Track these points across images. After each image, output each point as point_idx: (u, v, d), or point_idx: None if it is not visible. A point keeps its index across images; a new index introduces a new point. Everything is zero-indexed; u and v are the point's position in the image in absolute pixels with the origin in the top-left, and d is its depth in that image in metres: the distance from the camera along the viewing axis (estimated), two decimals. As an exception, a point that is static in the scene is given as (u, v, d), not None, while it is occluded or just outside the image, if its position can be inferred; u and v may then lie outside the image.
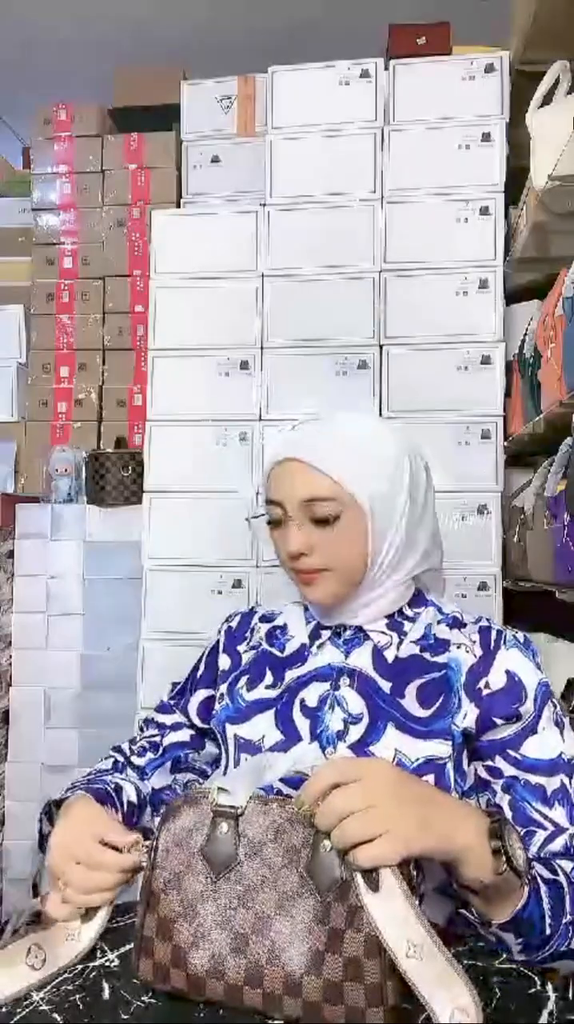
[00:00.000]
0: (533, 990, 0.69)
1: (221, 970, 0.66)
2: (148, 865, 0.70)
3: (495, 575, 1.88)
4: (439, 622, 0.94)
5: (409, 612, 0.95)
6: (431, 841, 0.65)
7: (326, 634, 0.96)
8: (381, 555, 0.90)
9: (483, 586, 1.87)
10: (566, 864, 0.78)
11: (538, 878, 0.73)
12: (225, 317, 2.04)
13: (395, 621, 0.94)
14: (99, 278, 2.64)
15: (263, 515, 0.95)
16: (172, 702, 1.05)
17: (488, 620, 0.95)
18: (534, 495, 1.63)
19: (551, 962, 0.74)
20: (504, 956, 0.75)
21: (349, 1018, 0.62)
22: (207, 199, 2.37)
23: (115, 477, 2.33)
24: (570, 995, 0.69)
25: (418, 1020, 0.64)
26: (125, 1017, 0.67)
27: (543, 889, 0.72)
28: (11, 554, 2.39)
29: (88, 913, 0.75)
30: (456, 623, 0.94)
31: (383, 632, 0.93)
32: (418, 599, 0.97)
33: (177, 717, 1.03)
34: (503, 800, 0.84)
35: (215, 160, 2.37)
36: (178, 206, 2.46)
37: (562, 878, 0.76)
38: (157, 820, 0.73)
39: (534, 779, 0.83)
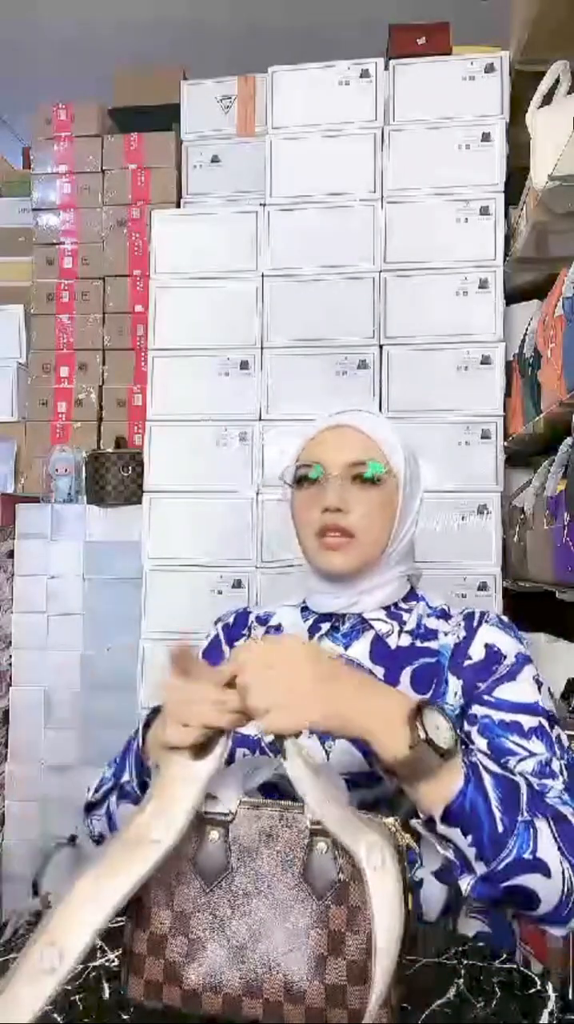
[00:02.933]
0: (533, 990, 0.69)
1: (218, 983, 0.64)
2: None
3: (495, 575, 1.88)
4: (429, 615, 0.97)
5: (404, 605, 0.99)
6: (329, 712, 0.68)
7: (325, 627, 0.98)
8: (402, 534, 0.96)
9: (483, 586, 1.87)
10: (533, 779, 0.77)
11: (480, 766, 0.72)
12: (225, 317, 2.04)
13: (393, 611, 0.97)
14: (99, 278, 2.63)
15: (293, 474, 0.99)
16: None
17: (473, 609, 0.97)
18: (534, 495, 1.63)
19: (519, 876, 0.70)
20: (504, 956, 0.75)
21: (352, 1020, 0.62)
22: (207, 199, 2.37)
23: (115, 477, 2.33)
24: (570, 995, 0.68)
25: (419, 1020, 0.64)
26: (125, 1017, 0.67)
27: (487, 779, 0.71)
28: (11, 554, 2.39)
29: (200, 752, 0.69)
30: (444, 615, 0.97)
31: (385, 621, 0.96)
32: (410, 594, 1.01)
33: None
34: (481, 743, 0.83)
35: (215, 160, 2.37)
36: (178, 206, 2.46)
37: (520, 779, 0.74)
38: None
39: (509, 717, 0.84)
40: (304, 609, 1.02)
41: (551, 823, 0.72)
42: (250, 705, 0.67)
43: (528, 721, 0.83)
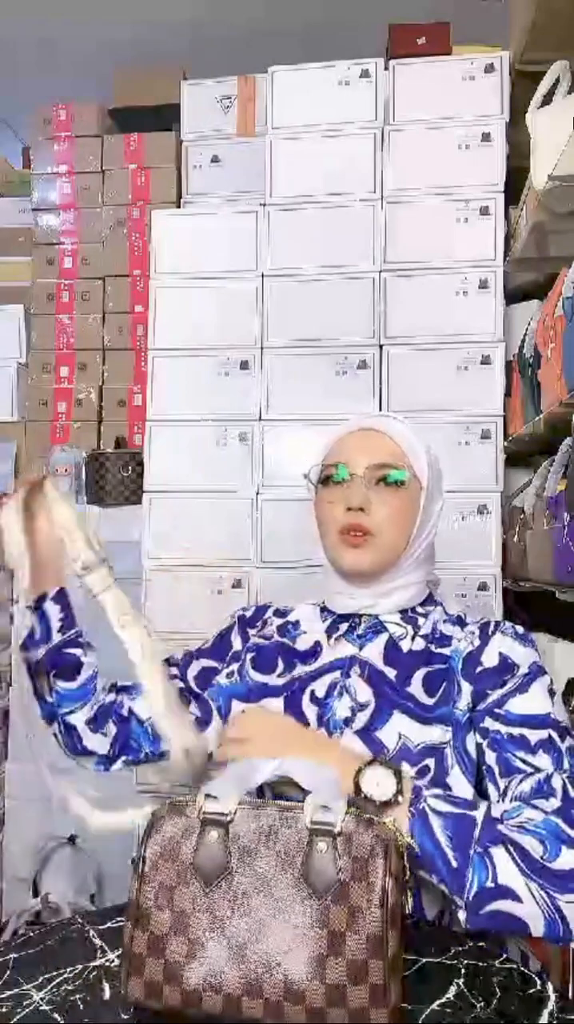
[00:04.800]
0: (533, 990, 0.69)
1: (218, 983, 0.64)
2: (135, 880, 0.69)
3: (495, 575, 1.88)
4: (445, 621, 0.99)
5: (421, 610, 1.00)
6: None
7: (343, 627, 1.00)
8: (421, 539, 0.99)
9: (483, 586, 1.87)
10: (514, 805, 0.79)
11: (428, 809, 0.77)
12: (225, 317, 2.03)
13: (409, 616, 0.99)
14: (99, 278, 2.64)
15: (318, 474, 1.02)
16: (178, 657, 1.10)
17: (489, 618, 0.99)
18: (534, 495, 1.63)
19: (490, 904, 0.73)
20: (504, 956, 0.75)
21: (352, 1020, 0.62)
22: (207, 199, 2.37)
23: (115, 477, 2.33)
24: (570, 995, 0.69)
25: (419, 1020, 0.64)
26: (125, 1017, 0.67)
27: (435, 821, 0.76)
28: (11, 554, 2.39)
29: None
30: (459, 622, 0.99)
31: (399, 624, 0.98)
32: (428, 600, 1.03)
33: (175, 672, 1.08)
34: (491, 759, 0.85)
35: (215, 160, 2.37)
36: (178, 206, 2.46)
37: (476, 814, 0.77)
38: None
39: (517, 731, 0.85)
40: (323, 609, 1.04)
41: (510, 849, 0.74)
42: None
43: (536, 734, 0.84)
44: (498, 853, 0.74)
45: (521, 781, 0.81)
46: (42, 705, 1.04)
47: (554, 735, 0.84)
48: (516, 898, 0.73)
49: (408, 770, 0.84)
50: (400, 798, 0.77)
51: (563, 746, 0.83)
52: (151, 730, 1.02)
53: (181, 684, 1.07)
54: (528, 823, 0.76)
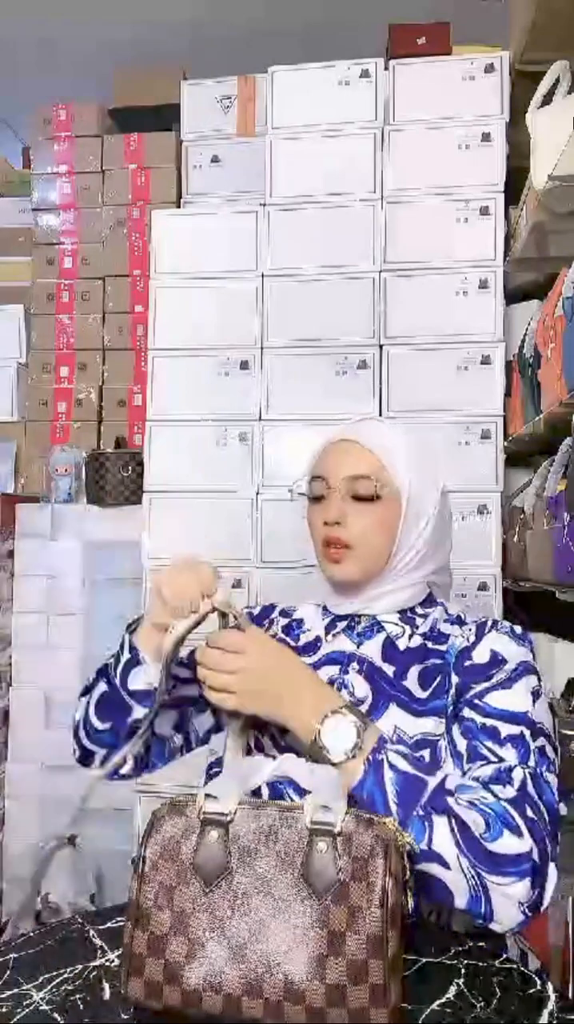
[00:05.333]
0: (533, 990, 0.69)
1: (218, 982, 0.64)
2: (135, 880, 0.69)
3: (495, 575, 1.88)
4: (445, 621, 1.00)
5: (420, 611, 1.01)
6: (261, 707, 0.84)
7: (341, 625, 1.02)
8: (403, 551, 0.98)
9: (483, 586, 1.87)
10: (471, 783, 0.80)
11: (385, 763, 0.79)
12: (225, 317, 2.04)
13: (407, 616, 1.00)
14: (99, 278, 2.64)
15: (304, 487, 1.02)
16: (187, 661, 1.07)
17: (487, 618, 0.99)
18: (534, 495, 1.63)
19: (420, 863, 0.74)
20: (504, 956, 0.75)
21: (352, 1020, 0.62)
22: (207, 199, 2.37)
23: (115, 477, 2.33)
24: (570, 995, 0.69)
25: (419, 1020, 0.64)
26: (125, 1017, 0.67)
27: (388, 774, 0.78)
28: (11, 554, 2.39)
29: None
30: (458, 621, 0.99)
31: (397, 624, 0.99)
32: (428, 600, 1.03)
33: (187, 673, 1.04)
34: (461, 745, 0.86)
35: (215, 160, 2.37)
36: (178, 206, 2.46)
37: (430, 779, 0.78)
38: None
39: (490, 723, 0.85)
40: (325, 609, 1.06)
41: (452, 821, 0.75)
42: (210, 681, 0.85)
43: (508, 729, 0.84)
44: (439, 820, 0.75)
45: (482, 766, 0.82)
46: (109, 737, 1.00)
47: (526, 733, 0.84)
48: (444, 864, 0.74)
49: (376, 726, 0.86)
50: (357, 752, 0.79)
51: (534, 744, 0.84)
52: (167, 747, 1.03)
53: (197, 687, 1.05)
54: (479, 801, 0.77)
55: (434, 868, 0.75)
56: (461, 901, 0.75)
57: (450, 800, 0.77)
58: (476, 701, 0.88)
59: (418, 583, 1.01)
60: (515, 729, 0.84)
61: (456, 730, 0.88)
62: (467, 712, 0.87)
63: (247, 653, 0.85)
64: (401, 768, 0.79)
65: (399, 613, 1.00)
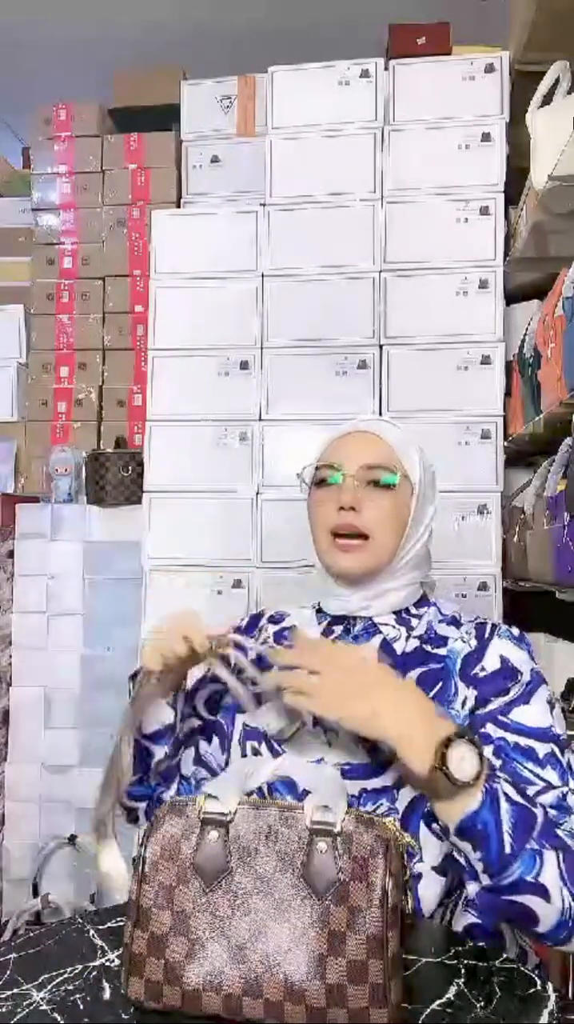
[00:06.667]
0: (533, 990, 0.69)
1: (218, 983, 0.64)
2: (135, 880, 0.69)
3: (495, 575, 1.88)
4: (440, 621, 0.99)
5: (414, 611, 1.00)
6: (352, 719, 0.79)
7: (338, 629, 1.00)
8: (413, 540, 0.99)
9: (483, 586, 1.87)
10: (552, 811, 0.79)
11: (500, 792, 0.75)
12: (225, 317, 2.04)
13: (402, 617, 0.99)
14: (99, 278, 2.63)
15: (313, 470, 1.02)
16: (184, 695, 1.06)
17: (484, 618, 0.99)
18: (534, 495, 1.63)
19: (520, 895, 0.73)
20: (505, 956, 0.75)
21: (352, 1020, 0.62)
22: (207, 199, 2.37)
23: (115, 477, 2.33)
24: (570, 995, 0.69)
25: (419, 1020, 0.64)
26: (125, 1017, 0.67)
27: (504, 805, 0.75)
28: (11, 554, 2.39)
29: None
30: (454, 621, 0.98)
31: (393, 626, 0.98)
32: (422, 601, 1.03)
33: (187, 710, 1.05)
34: (495, 764, 0.84)
35: (215, 160, 2.37)
36: (178, 206, 2.46)
37: (538, 811, 0.77)
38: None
39: (524, 742, 0.85)
40: (319, 612, 1.04)
41: (559, 855, 0.75)
42: (290, 683, 0.82)
43: (542, 748, 0.85)
44: (549, 856, 0.74)
45: (539, 793, 0.82)
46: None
47: (556, 750, 0.85)
48: (546, 897, 0.73)
49: (486, 751, 0.84)
50: (479, 780, 0.75)
51: (564, 760, 0.85)
52: (193, 785, 1.02)
53: (198, 720, 1.05)
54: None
55: (532, 900, 0.74)
56: (544, 928, 0.75)
57: (561, 834, 0.77)
58: (500, 717, 0.87)
59: (414, 583, 1.01)
60: (547, 747, 0.85)
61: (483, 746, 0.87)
62: (493, 729, 0.86)
63: (329, 659, 0.83)
64: (513, 798, 0.77)
65: (394, 614, 0.99)
